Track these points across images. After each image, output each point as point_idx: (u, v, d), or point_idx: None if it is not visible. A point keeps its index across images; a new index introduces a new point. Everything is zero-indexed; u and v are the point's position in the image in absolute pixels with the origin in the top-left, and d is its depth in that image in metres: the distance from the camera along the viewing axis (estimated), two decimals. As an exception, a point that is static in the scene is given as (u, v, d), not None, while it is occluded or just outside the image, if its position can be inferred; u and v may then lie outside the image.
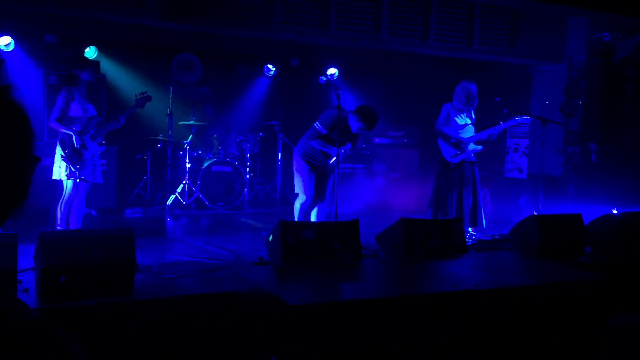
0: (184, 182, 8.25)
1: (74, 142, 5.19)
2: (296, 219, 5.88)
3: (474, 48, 8.26)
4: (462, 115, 6.64)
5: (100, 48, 8.30)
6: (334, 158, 5.76)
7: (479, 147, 6.64)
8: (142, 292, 3.92)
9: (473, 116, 6.74)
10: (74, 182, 5.22)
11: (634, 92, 8.44)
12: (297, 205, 5.91)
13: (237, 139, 8.81)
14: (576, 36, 8.70)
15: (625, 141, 8.52)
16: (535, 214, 6.32)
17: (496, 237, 6.58)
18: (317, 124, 5.89)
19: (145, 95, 5.65)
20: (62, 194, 5.29)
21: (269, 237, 4.55)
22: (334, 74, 9.51)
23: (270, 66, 9.55)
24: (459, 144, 6.57)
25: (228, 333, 3.85)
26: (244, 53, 9.14)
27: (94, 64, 5.29)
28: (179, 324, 3.82)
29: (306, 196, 5.83)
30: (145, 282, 4.25)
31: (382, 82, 9.69)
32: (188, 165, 8.32)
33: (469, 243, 5.98)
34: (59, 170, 5.20)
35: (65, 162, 5.16)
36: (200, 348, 3.85)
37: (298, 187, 5.90)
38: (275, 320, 3.32)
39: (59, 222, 5.28)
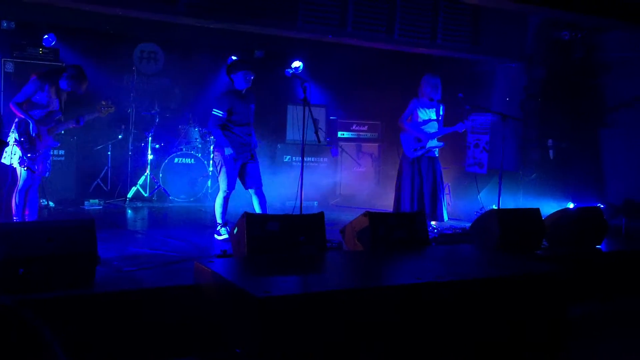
0: (145, 173, 8.13)
1: (31, 130, 5.10)
2: (218, 214, 5.85)
3: (437, 44, 8.35)
4: (427, 111, 6.73)
5: (59, 35, 8.07)
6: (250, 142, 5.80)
7: (440, 143, 6.75)
8: (103, 285, 3.85)
9: (441, 112, 6.82)
10: (29, 171, 5.13)
11: (591, 90, 8.68)
12: (218, 200, 5.85)
13: (201, 131, 8.71)
14: (537, 34, 8.88)
15: (581, 138, 8.76)
16: (495, 208, 6.46)
17: (458, 230, 6.70)
18: (214, 111, 5.79)
19: (109, 105, 5.71)
20: (13, 181, 5.21)
21: (234, 229, 4.53)
22: (299, 67, 9.49)
23: (234, 57, 9.45)
24: (421, 139, 6.68)
25: (191, 326, 3.82)
26: (208, 43, 9.02)
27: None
28: (140, 317, 3.77)
29: (227, 189, 5.78)
30: (106, 275, 4.18)
31: (347, 76, 9.72)
32: (150, 156, 8.19)
33: (432, 236, 6.07)
34: (11, 155, 5.11)
35: (19, 147, 5.09)
36: (163, 342, 3.80)
37: (220, 179, 5.84)
38: (241, 312, 3.31)
39: (14, 212, 5.16)
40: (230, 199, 5.91)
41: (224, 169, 5.77)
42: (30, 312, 0.83)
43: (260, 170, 6.01)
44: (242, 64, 5.87)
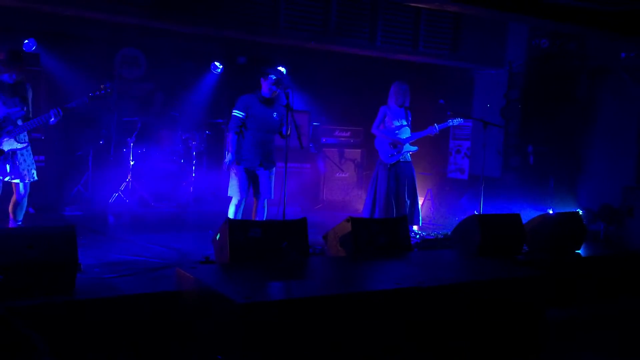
0: (127, 179, 8.07)
1: None
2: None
3: (419, 51, 8.42)
4: (398, 117, 6.87)
5: (39, 40, 8.00)
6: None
7: (414, 147, 6.90)
8: (83, 292, 3.82)
9: (409, 118, 6.98)
10: None
11: (569, 96, 8.81)
12: (231, 207, 5.86)
13: (183, 137, 8.68)
14: (516, 42, 9.00)
15: (561, 144, 8.88)
16: (476, 213, 6.52)
17: (439, 236, 6.76)
18: (233, 112, 5.79)
19: (104, 89, 5.26)
20: None
21: (216, 235, 4.52)
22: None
23: (217, 63, 9.46)
24: (396, 145, 6.81)
25: (173, 333, 3.81)
26: (191, 49, 9.01)
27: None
28: (121, 324, 3.75)
29: (238, 197, 5.79)
30: (86, 282, 4.15)
31: (330, 82, 9.75)
32: (132, 162, 8.14)
33: (414, 242, 6.12)
34: None
35: None
36: (144, 348, 3.78)
37: (231, 188, 5.84)
38: (223, 319, 3.31)
39: None
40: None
41: (233, 176, 5.78)
42: (20, 319, 0.84)
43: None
44: (275, 76, 5.72)
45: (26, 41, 7.87)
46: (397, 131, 6.83)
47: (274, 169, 5.93)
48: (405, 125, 6.90)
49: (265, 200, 5.89)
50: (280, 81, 5.72)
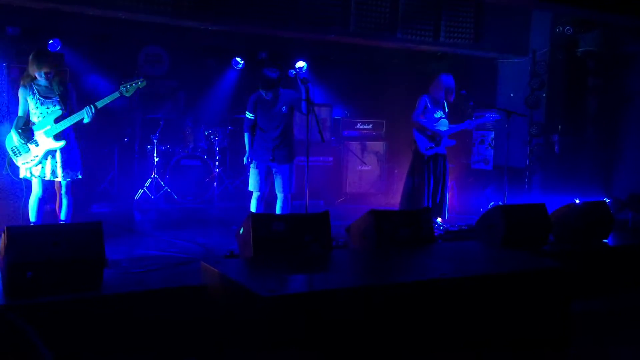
0: (152, 176, 8.17)
1: (16, 139, 4.98)
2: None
3: (440, 41, 8.35)
4: (438, 108, 6.77)
5: (64, 40, 8.12)
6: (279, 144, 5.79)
7: (453, 141, 6.81)
8: (110, 287, 3.90)
9: (446, 110, 6.88)
10: (40, 179, 5.09)
11: (595, 84, 8.66)
12: (252, 201, 5.93)
13: (206, 133, 8.75)
14: (540, 30, 8.86)
15: (587, 132, 8.74)
16: (500, 204, 6.46)
17: (463, 227, 6.71)
18: (246, 113, 5.97)
19: (134, 81, 5.34)
20: (28, 192, 5.18)
21: (240, 230, 4.56)
22: (303, 67, 9.50)
23: (238, 59, 9.49)
24: (435, 137, 6.70)
25: (198, 327, 3.85)
26: (213, 45, 9.05)
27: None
28: (148, 318, 3.81)
29: (259, 192, 5.86)
30: (114, 277, 4.23)
31: (351, 75, 9.71)
32: (156, 159, 8.24)
33: (437, 233, 6.09)
34: (23, 168, 5.08)
35: (15, 158, 5.03)
36: (170, 342, 3.84)
37: (250, 183, 5.93)
38: (247, 312, 3.33)
39: (32, 219, 5.15)
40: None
41: (251, 171, 5.94)
42: (15, 315, 0.86)
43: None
44: (262, 83, 5.74)
45: (51, 41, 7.98)
46: (435, 123, 6.73)
47: (292, 163, 5.91)
48: (443, 118, 6.80)
49: (284, 194, 5.87)
50: (267, 87, 5.71)
